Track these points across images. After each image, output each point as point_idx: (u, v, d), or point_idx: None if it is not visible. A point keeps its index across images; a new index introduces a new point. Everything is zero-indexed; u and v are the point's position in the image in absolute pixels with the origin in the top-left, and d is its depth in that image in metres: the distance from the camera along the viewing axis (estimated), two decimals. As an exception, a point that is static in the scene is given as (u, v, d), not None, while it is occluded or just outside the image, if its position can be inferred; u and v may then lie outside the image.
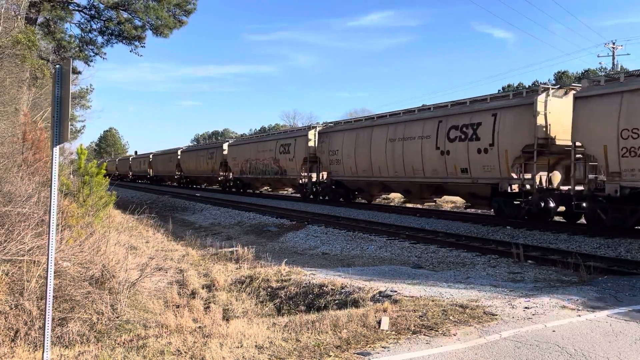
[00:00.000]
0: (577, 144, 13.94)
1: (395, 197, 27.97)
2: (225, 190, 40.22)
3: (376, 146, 21.85)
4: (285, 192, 36.40)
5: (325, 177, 27.02)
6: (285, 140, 30.62)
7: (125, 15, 19.40)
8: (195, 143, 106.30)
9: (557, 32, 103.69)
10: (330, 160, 25.33)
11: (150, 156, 60.84)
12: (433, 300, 7.04)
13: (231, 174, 38.87)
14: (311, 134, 27.74)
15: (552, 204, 15.45)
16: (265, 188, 37.31)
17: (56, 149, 5.14)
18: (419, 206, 23.31)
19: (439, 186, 19.41)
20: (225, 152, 39.20)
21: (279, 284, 9.44)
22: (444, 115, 18.60)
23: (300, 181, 28.79)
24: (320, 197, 27.76)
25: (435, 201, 23.18)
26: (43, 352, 4.92)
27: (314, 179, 27.93)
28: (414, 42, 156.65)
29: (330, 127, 26.94)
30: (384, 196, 27.36)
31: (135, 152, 78.69)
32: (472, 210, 21.88)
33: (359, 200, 26.47)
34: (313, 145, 27.44)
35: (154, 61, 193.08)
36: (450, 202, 25.31)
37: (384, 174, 21.67)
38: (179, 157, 49.75)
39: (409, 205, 23.80)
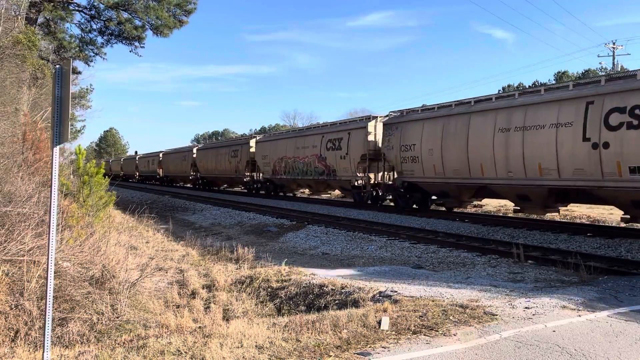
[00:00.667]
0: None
1: (493, 204, 22.77)
2: (252, 193, 35.37)
3: (476, 138, 16.85)
4: (328, 195, 31.93)
5: (391, 178, 22.46)
6: (335, 134, 25.46)
7: (125, 15, 19.42)
8: (195, 143, 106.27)
9: (557, 32, 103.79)
10: (402, 157, 20.43)
11: (160, 155, 56.64)
12: (433, 301, 7.04)
13: (260, 175, 34.08)
14: (371, 126, 22.79)
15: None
16: (302, 191, 32.86)
17: (56, 149, 5.14)
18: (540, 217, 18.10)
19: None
20: (252, 150, 34.56)
21: (279, 284, 9.44)
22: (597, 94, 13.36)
23: (356, 183, 24.24)
24: (381, 203, 23.30)
25: (559, 211, 17.04)
26: (43, 352, 4.92)
27: (372, 181, 23.58)
28: (413, 42, 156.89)
29: (401, 117, 21.26)
30: (475, 203, 21.24)
31: (136, 152, 78.61)
32: (472, 210, 21.86)
33: (435, 207, 21.56)
34: (374, 139, 22.69)
35: (154, 61, 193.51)
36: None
37: (488, 175, 16.55)
38: (194, 155, 45.57)
39: (521, 215, 18.35)
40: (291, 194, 33.28)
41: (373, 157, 22.85)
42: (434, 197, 20.72)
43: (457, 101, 18.65)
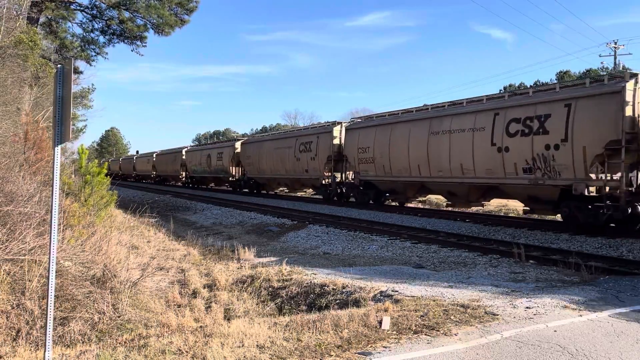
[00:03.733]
0: None
1: (495, 203, 24.03)
2: (236, 191, 38.36)
3: (415, 142, 19.48)
4: (303, 193, 34.52)
5: (352, 177, 24.78)
6: (306, 137, 28.25)
7: (127, 14, 19.44)
8: (197, 143, 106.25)
9: (557, 31, 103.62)
10: (360, 159, 23.05)
11: (154, 156, 59.14)
12: (434, 300, 7.04)
13: (244, 174, 36.73)
14: (336, 131, 25.52)
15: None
16: (282, 189, 35.34)
17: (58, 149, 5.15)
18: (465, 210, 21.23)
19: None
20: (237, 151, 37.31)
21: (280, 284, 9.45)
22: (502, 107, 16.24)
23: (323, 181, 26.67)
24: (346, 199, 25.70)
25: (483, 205, 20.05)
26: (44, 351, 4.93)
27: (338, 179, 26.00)
28: (412, 42, 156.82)
29: (359, 123, 24.40)
30: (420, 199, 24.66)
31: (137, 152, 78.71)
32: (474, 210, 21.84)
33: (388, 202, 24.30)
34: (338, 142, 25.35)
35: (154, 61, 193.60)
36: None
37: (425, 174, 19.23)
38: (184, 156, 47.98)
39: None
40: (272, 192, 36.01)
41: (337, 158, 25.50)
42: (387, 194, 23.50)
43: (404, 110, 21.85)
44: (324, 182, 26.64)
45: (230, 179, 38.95)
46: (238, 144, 37.83)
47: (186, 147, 50.52)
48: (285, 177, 30.76)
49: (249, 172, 35.57)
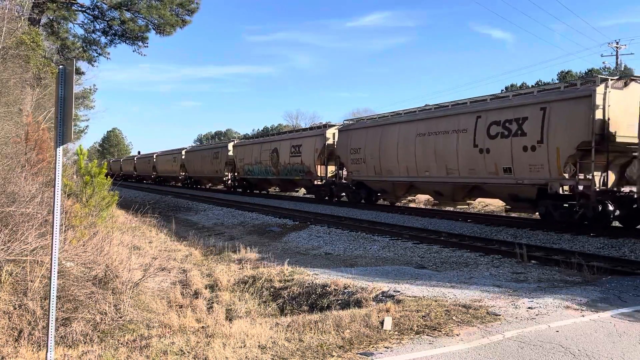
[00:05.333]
0: None
1: (496, 203, 23.99)
2: (230, 191, 39.41)
3: (403, 144, 20.29)
4: (296, 192, 35.62)
5: (344, 177, 25.69)
6: (298, 140, 29.26)
7: (128, 15, 19.46)
8: (198, 143, 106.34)
9: (558, 31, 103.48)
10: (352, 159, 23.88)
11: (154, 156, 59.98)
12: (436, 301, 7.03)
13: (237, 175, 37.80)
14: (329, 133, 26.55)
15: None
16: (273, 188, 36.32)
17: (59, 150, 5.15)
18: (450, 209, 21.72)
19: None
20: (230, 153, 38.39)
21: (281, 284, 9.45)
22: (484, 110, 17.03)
23: (316, 182, 27.48)
24: (336, 199, 26.74)
25: (469, 204, 20.83)
26: (46, 352, 4.93)
27: (330, 180, 26.82)
28: (412, 42, 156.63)
29: (351, 125, 25.17)
30: (409, 198, 24.55)
31: (139, 152, 78.77)
32: (475, 210, 21.85)
33: (380, 201, 24.98)
34: (332, 143, 26.24)
35: (154, 62, 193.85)
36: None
37: (412, 174, 20.03)
38: (183, 157, 48.92)
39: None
40: (265, 192, 36.99)
41: (330, 159, 26.33)
42: (378, 194, 24.31)
43: (393, 112, 22.43)
44: (316, 182, 27.80)
45: (225, 179, 39.69)
46: (231, 146, 38.61)
47: (185, 148, 50.99)
48: (276, 178, 31.90)
49: (241, 173, 36.67)
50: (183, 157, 48.96)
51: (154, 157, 59.95)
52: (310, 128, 31.02)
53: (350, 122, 26.05)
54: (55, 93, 5.14)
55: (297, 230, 17.26)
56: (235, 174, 38.10)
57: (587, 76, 54.65)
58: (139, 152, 79.05)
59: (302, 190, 32.96)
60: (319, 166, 26.93)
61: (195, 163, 45.82)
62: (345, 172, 25.56)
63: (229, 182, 39.53)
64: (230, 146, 38.91)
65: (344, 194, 26.59)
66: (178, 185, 52.64)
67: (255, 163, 33.99)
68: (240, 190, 37.66)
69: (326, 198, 27.14)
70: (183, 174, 49.75)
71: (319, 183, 27.38)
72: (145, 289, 8.62)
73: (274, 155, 31.53)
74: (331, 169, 26.77)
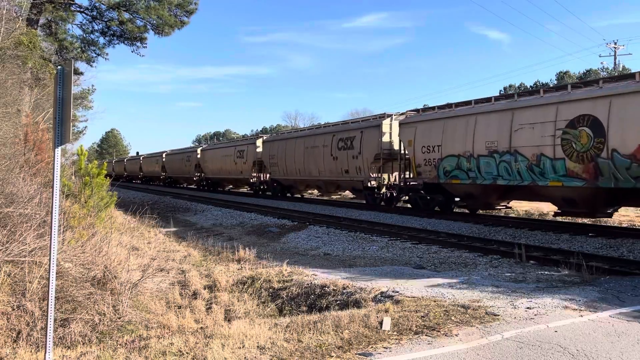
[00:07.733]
0: None
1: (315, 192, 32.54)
2: (258, 194, 35.43)
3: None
4: (338, 196, 31.92)
5: (268, 177, 33.30)
6: (346, 132, 25.25)
7: (126, 15, 19.44)
8: (197, 143, 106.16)
9: (555, 31, 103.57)
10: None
11: (163, 155, 55.08)
12: (435, 301, 7.04)
13: (267, 175, 34.00)
14: (385, 125, 22.73)
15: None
16: (311, 192, 33.01)
17: (58, 150, 5.15)
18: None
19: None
20: (259, 150, 34.58)
21: (280, 285, 9.44)
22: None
23: (252, 180, 35.65)
24: (395, 204, 23.03)
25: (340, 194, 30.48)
26: (45, 353, 4.93)
27: (261, 179, 34.57)
28: (409, 43, 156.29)
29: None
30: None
31: (137, 153, 78.57)
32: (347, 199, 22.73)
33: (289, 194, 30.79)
34: (388, 139, 22.67)
35: (152, 63, 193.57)
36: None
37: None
38: (198, 156, 44.96)
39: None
40: (299, 195, 32.94)
41: (387, 157, 22.48)
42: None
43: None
44: (252, 180, 30.18)
45: (252, 180, 35.81)
46: (259, 142, 34.94)
47: (201, 146, 47.94)
48: (317, 179, 28.08)
49: (272, 173, 32.97)
50: (198, 155, 45.17)
51: (163, 156, 55.25)
52: (367, 119, 26.29)
53: (414, 112, 21.80)
54: (54, 93, 5.14)
55: (296, 230, 17.26)
56: (267, 174, 34.05)
57: (585, 76, 54.75)
58: (137, 153, 78.91)
59: (346, 194, 30.49)
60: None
61: (214, 162, 42.01)
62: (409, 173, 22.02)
63: (257, 184, 35.56)
64: (259, 142, 34.94)
65: (404, 198, 22.90)
66: (192, 187, 48.87)
67: (290, 161, 30.10)
68: (269, 193, 34.01)
69: (382, 204, 23.40)
70: (198, 174, 45.88)
71: (372, 185, 23.59)
72: (144, 290, 8.61)
73: (313, 152, 27.78)
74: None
